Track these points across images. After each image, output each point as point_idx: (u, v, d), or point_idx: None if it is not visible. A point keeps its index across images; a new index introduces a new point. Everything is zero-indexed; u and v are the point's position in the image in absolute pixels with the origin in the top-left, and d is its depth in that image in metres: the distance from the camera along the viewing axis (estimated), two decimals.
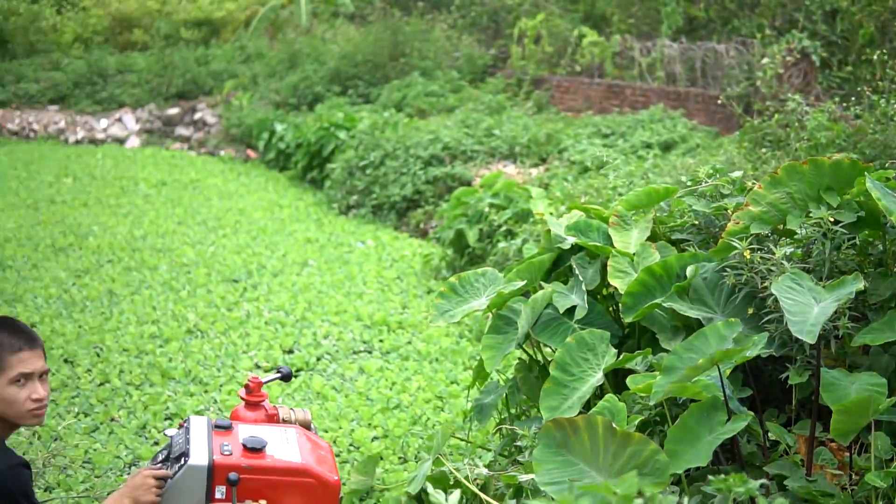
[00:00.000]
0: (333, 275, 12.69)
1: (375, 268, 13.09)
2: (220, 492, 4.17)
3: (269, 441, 4.33)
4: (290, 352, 9.92)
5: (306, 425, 4.82)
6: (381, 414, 8.32)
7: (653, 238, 6.15)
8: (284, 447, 4.34)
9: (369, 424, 8.18)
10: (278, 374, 5.18)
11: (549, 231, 6.44)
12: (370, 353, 9.97)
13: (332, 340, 10.21)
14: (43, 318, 10.62)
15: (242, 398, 4.89)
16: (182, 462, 4.20)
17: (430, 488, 4.00)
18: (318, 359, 9.71)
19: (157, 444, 7.90)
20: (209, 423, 4.47)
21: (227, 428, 4.41)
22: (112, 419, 8.33)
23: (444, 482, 5.64)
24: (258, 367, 9.51)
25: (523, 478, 4.97)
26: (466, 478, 5.35)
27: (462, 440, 7.05)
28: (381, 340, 10.23)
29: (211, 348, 9.93)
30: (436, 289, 11.75)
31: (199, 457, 4.17)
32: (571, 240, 6.18)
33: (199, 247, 14.06)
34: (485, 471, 5.44)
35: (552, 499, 3.41)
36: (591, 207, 6.74)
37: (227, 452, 4.21)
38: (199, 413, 8.39)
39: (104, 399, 8.71)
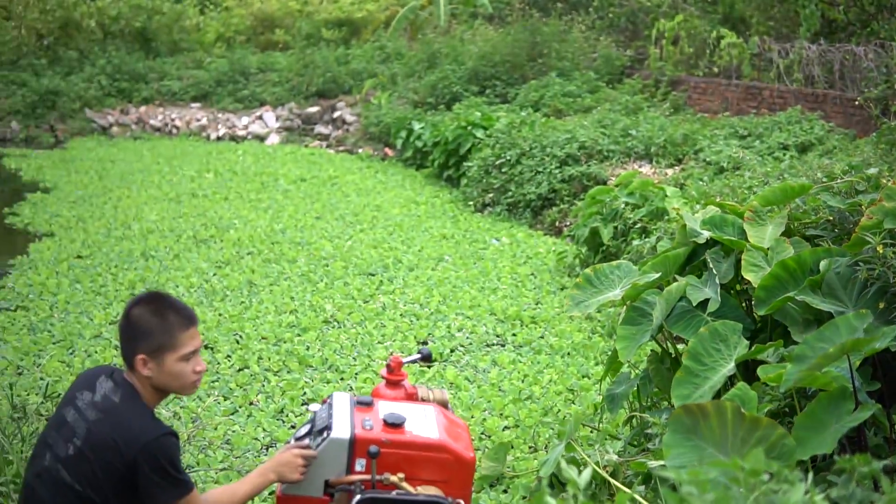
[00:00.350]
0: (468, 270, 12.84)
1: (510, 264, 13.20)
2: (359, 464, 4.31)
3: (409, 417, 4.45)
4: (425, 343, 10.07)
5: (444, 404, 4.93)
6: (512, 404, 8.43)
7: (787, 233, 6.15)
8: (423, 424, 4.46)
9: (501, 414, 8.29)
10: (419, 355, 5.30)
11: (684, 226, 6.47)
12: (503, 346, 10.09)
13: (465, 333, 10.35)
14: None
15: (383, 377, 5.02)
16: (325, 435, 4.35)
17: (563, 464, 4.06)
18: (452, 350, 9.86)
19: (293, 427, 8.10)
20: (352, 399, 4.62)
21: (369, 404, 4.55)
22: (251, 403, 8.57)
23: (575, 466, 5.72)
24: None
25: (653, 465, 5.03)
26: (597, 463, 5.43)
27: (593, 429, 7.13)
28: (513, 334, 10.34)
29: (347, 338, 10.13)
30: (569, 286, 11.82)
31: (341, 430, 4.32)
32: (706, 234, 6.22)
33: (337, 241, 14.31)
34: (615, 457, 5.51)
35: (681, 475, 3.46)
36: (727, 204, 6.76)
37: (368, 427, 4.34)
38: None
39: (243, 384, 8.96)
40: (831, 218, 6.11)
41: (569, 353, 9.76)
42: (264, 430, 7.96)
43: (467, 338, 10.20)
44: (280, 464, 4.30)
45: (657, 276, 6.10)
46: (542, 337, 10.26)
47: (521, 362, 9.51)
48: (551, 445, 7.50)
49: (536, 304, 11.42)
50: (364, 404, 4.56)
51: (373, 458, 4.24)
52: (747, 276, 5.75)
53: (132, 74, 28.44)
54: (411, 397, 4.96)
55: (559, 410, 8.34)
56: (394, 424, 4.38)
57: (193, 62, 29.63)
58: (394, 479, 4.29)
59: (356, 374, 9.18)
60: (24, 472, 4.51)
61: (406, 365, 5.14)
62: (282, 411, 8.37)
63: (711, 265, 6.07)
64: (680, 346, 6.40)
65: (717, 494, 3.13)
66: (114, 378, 4.19)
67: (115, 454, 3.99)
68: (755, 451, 3.55)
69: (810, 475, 3.50)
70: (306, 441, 4.48)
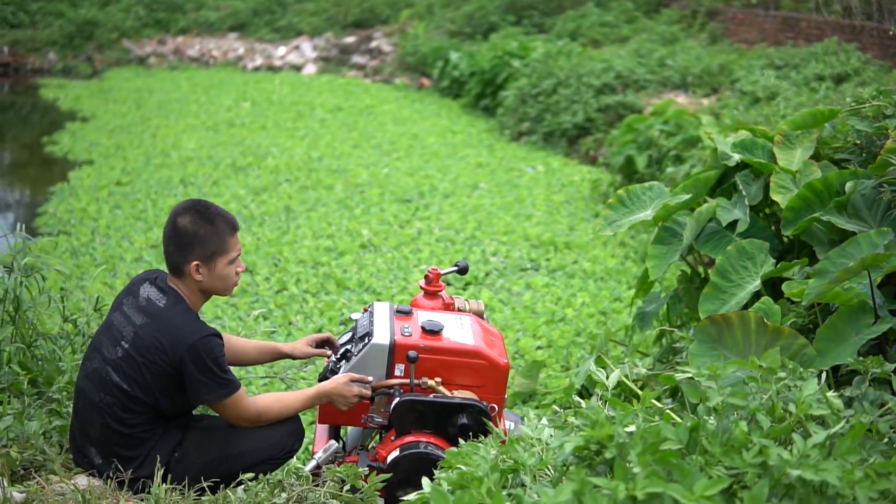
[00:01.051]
0: (503, 197, 12.98)
1: (544, 192, 13.33)
2: (398, 369, 4.49)
3: (446, 325, 4.62)
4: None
5: (479, 315, 5.08)
6: (545, 326, 8.60)
7: (816, 157, 6.24)
8: (459, 331, 4.62)
9: (534, 335, 8.47)
10: (456, 268, 5.43)
11: (715, 149, 6.57)
12: (536, 270, 10.25)
13: (500, 258, 10.51)
14: None
15: (422, 287, 5.19)
16: (366, 341, 4.53)
17: (592, 367, 4.23)
18: (487, 274, 10.03)
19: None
20: (391, 307, 4.79)
21: (408, 313, 4.72)
22: (290, 322, 8.76)
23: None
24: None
25: (680, 377, 5.17)
26: (626, 376, 5.58)
27: (622, 344, 7.28)
28: (547, 259, 10.50)
29: (383, 262, 10.32)
30: (602, 213, 11.93)
31: (381, 336, 4.49)
32: (737, 157, 6.31)
33: (373, 168, 14.46)
34: (644, 370, 5.65)
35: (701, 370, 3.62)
36: (758, 128, 6.85)
37: (407, 333, 4.51)
38: None
39: (282, 304, 9.16)
40: (859, 142, 6.19)
41: (601, 278, 9.90)
42: None
43: (502, 262, 10.37)
44: (337, 393, 4.45)
45: (688, 197, 6.20)
46: (575, 262, 10.40)
47: (554, 286, 9.67)
48: (582, 361, 7.69)
49: (570, 230, 11.56)
50: (403, 313, 4.73)
51: (411, 362, 4.42)
52: (775, 197, 5.85)
53: (169, 4, 28.54)
54: (448, 307, 5.11)
55: (591, 332, 8.50)
56: (432, 331, 4.55)
57: None
58: (431, 383, 4.47)
59: (393, 295, 9.36)
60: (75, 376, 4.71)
61: (443, 276, 5.30)
62: (320, 330, 8.56)
63: (741, 187, 6.17)
64: (709, 267, 6.52)
65: (733, 388, 3.29)
66: (157, 284, 4.36)
67: (162, 355, 4.17)
68: (772, 351, 3.72)
69: (824, 374, 3.66)
70: (353, 352, 4.64)
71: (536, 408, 7.14)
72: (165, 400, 4.26)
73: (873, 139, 6.12)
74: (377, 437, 4.82)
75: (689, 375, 4.46)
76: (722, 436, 3.02)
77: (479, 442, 3.72)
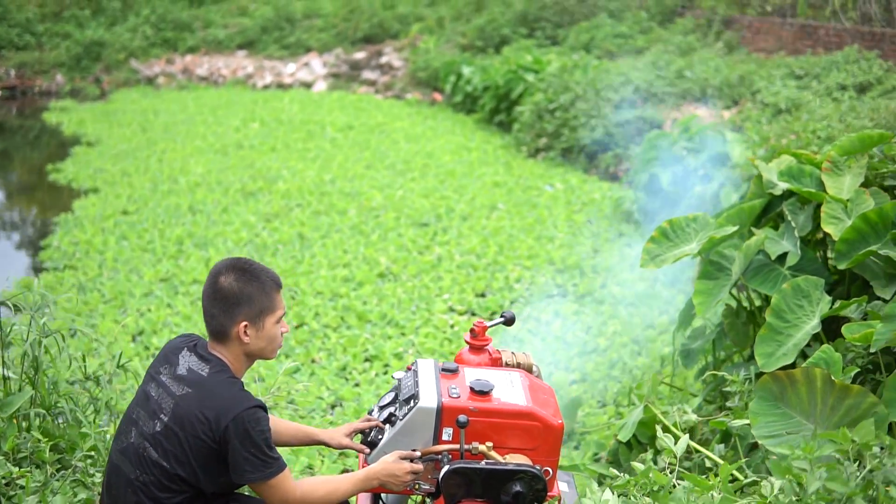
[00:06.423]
0: (523, 218, 12.71)
1: (565, 211, 13.07)
2: (446, 433, 4.21)
3: (495, 384, 4.36)
4: (483, 295, 9.99)
5: (529, 368, 4.82)
6: (578, 358, 8.33)
7: (865, 184, 6.04)
8: (510, 390, 4.35)
9: (567, 368, 8.19)
10: (502, 319, 5.19)
11: (759, 176, 6.36)
12: (564, 296, 9.97)
13: (524, 284, 10.24)
14: None
15: (467, 342, 4.92)
16: (412, 404, 4.26)
17: (660, 432, 4.00)
18: (512, 302, 9.76)
19: (357, 385, 8.03)
20: (436, 365, 4.52)
21: (454, 371, 4.45)
22: (312, 360, 8.49)
23: (652, 428, 5.65)
24: (452, 310, 9.60)
25: (733, 423, 4.93)
26: (675, 424, 5.33)
27: (667, 384, 7.02)
28: (574, 284, 10.23)
29: (404, 291, 10.04)
30: (627, 232, 11.70)
31: (428, 399, 4.22)
32: (784, 185, 6.09)
33: (388, 190, 14.19)
34: (693, 417, 5.41)
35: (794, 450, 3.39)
36: (802, 153, 6.61)
37: (455, 395, 4.25)
38: (398, 355, 8.52)
39: (303, 341, 8.89)
40: None
41: (632, 304, 9.65)
42: (328, 388, 7.88)
43: (527, 289, 10.10)
44: (388, 473, 4.19)
45: (734, 229, 5.97)
46: (603, 286, 10.14)
47: (583, 313, 9.41)
48: (619, 402, 7.44)
49: (595, 252, 11.31)
50: (449, 371, 4.46)
51: (462, 427, 4.14)
52: (827, 229, 5.65)
53: (177, 23, 28.33)
54: (496, 362, 4.84)
55: (625, 363, 8.24)
56: (481, 392, 4.27)
57: (238, 9, 29.47)
58: (482, 448, 4.19)
59: (417, 328, 9.10)
60: (108, 450, 4.43)
61: (490, 329, 5.04)
62: (344, 368, 8.31)
63: (789, 217, 5.97)
64: (754, 296, 6.29)
65: (829, 469, 3.03)
66: (197, 351, 4.08)
67: (205, 427, 3.88)
68: (865, 423, 3.44)
69: None
70: (397, 416, 4.39)
71: (576, 448, 6.89)
72: (206, 478, 3.98)
73: None
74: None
75: (746, 423, 4.22)
76: None
77: None
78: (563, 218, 12.68)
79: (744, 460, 4.55)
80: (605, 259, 10.92)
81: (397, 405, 4.42)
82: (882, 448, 3.28)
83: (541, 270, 10.59)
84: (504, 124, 19.08)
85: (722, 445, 5.26)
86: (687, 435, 3.81)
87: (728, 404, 5.42)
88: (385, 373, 8.24)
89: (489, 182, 14.81)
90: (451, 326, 9.21)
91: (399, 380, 4.56)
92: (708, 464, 4.97)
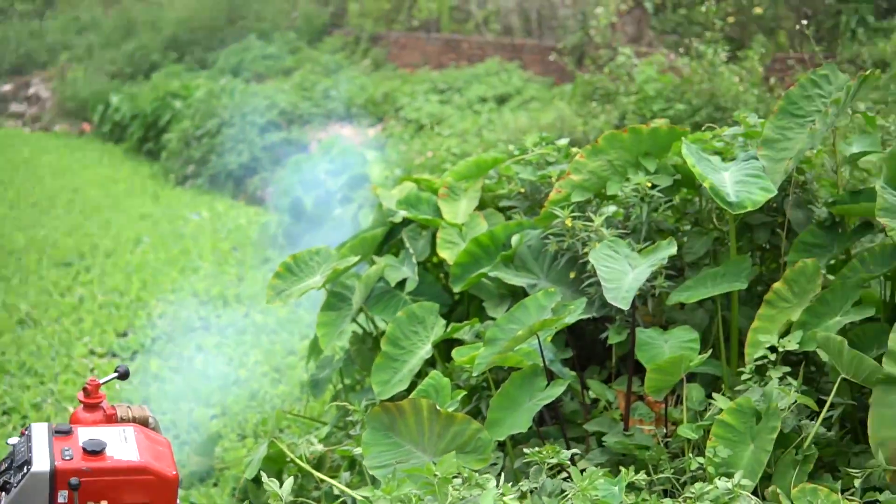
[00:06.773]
0: (168, 251, 12.48)
1: (211, 240, 12.91)
2: (62, 496, 4.13)
3: (109, 442, 4.30)
4: (125, 335, 9.76)
5: (144, 421, 4.77)
6: (219, 391, 8.25)
7: (481, 206, 6.23)
8: (123, 447, 4.30)
9: (208, 403, 8.10)
10: (115, 374, 5.10)
11: (381, 205, 6.48)
12: (207, 329, 9.85)
13: (167, 320, 10.05)
14: None
15: (81, 401, 4.83)
16: (25, 470, 4.16)
17: (264, 477, 4.04)
18: (154, 340, 9.57)
19: None
20: (50, 428, 4.43)
21: (68, 433, 4.37)
22: None
23: (280, 462, 5.67)
24: (93, 353, 9.34)
25: (357, 451, 5.00)
26: (300, 457, 5.36)
27: (297, 416, 7.04)
28: (217, 315, 10.12)
29: (44, 337, 9.67)
30: (272, 257, 11.67)
31: (40, 463, 4.13)
32: (403, 213, 6.23)
33: (31, 230, 13.59)
34: (320, 447, 5.48)
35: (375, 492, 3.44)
36: (422, 179, 6.76)
37: (68, 457, 4.17)
38: (36, 405, 8.24)
39: None
40: (523, 190, 6.18)
41: (274, 331, 9.64)
42: None
43: (170, 324, 9.92)
44: None
45: (356, 259, 6.05)
46: (246, 315, 10.09)
47: (226, 345, 9.32)
48: (259, 433, 7.42)
49: (240, 280, 11.24)
50: (63, 433, 4.35)
51: (74, 490, 4.06)
52: (442, 254, 5.81)
53: None
54: (111, 419, 4.76)
55: (266, 392, 8.23)
56: (94, 452, 4.20)
57: None
58: None
59: (56, 375, 8.82)
60: None
61: (104, 385, 4.94)
62: None
63: (408, 244, 6.12)
64: (381, 321, 6.38)
65: None
66: None
67: None
68: (447, 456, 3.52)
69: (502, 477, 3.49)
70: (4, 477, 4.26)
71: (214, 485, 6.82)
72: None
73: (538, 187, 6.12)
74: None
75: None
76: None
77: None
78: (209, 247, 12.53)
79: (371, 487, 4.60)
80: (250, 287, 10.85)
81: (11, 472, 4.30)
82: (463, 480, 3.36)
83: (185, 304, 10.42)
84: (153, 152, 18.74)
85: (348, 473, 5.32)
86: (291, 479, 3.84)
87: (351, 433, 5.49)
88: (23, 425, 7.93)
89: (135, 215, 14.47)
90: (92, 370, 8.93)
91: (13, 445, 4.44)
92: (336, 491, 5.02)
